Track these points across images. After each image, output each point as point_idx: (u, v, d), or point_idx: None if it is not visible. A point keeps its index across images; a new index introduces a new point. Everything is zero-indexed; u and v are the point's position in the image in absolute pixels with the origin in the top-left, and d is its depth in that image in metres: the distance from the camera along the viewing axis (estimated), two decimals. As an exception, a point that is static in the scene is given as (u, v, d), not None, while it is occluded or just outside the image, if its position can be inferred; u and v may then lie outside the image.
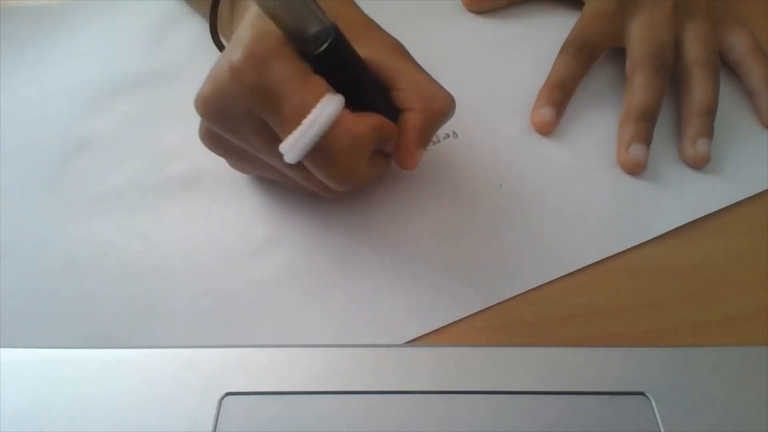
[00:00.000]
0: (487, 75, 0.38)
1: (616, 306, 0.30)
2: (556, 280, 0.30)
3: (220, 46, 0.33)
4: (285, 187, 0.33)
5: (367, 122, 0.26)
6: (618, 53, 0.38)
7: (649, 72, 0.35)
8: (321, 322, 0.29)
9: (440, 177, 0.34)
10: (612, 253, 0.31)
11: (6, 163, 0.35)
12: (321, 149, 0.25)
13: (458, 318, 0.29)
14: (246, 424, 0.22)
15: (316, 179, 0.27)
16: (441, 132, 0.35)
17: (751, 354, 0.24)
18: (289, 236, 0.32)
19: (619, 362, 0.24)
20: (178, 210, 0.33)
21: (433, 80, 0.29)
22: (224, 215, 0.33)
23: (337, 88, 0.25)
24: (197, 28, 0.41)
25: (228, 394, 0.23)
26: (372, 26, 0.30)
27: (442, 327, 0.29)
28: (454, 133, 0.36)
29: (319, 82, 0.25)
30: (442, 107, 0.29)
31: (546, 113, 0.36)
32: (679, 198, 0.33)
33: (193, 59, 0.39)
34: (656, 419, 0.22)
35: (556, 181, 0.34)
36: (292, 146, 0.24)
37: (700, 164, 0.34)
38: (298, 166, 0.26)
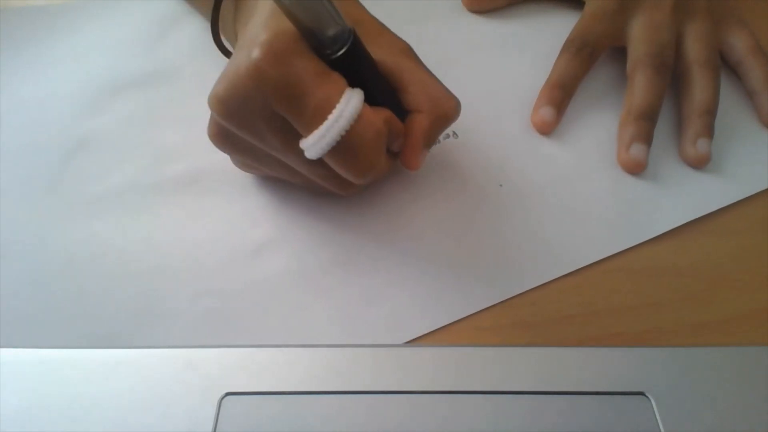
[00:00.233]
0: (487, 75, 0.38)
1: (616, 306, 0.30)
2: (556, 280, 0.30)
3: (221, 46, 0.33)
4: (290, 186, 0.33)
5: (381, 116, 0.26)
6: (618, 53, 0.38)
7: (649, 72, 0.35)
8: (321, 322, 0.29)
9: (440, 177, 0.34)
10: (612, 253, 0.31)
11: (6, 163, 0.35)
12: (345, 143, 0.25)
13: (458, 318, 0.29)
14: (246, 424, 0.22)
15: (331, 175, 0.27)
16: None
17: (751, 354, 0.24)
18: (290, 236, 0.32)
19: (619, 362, 0.24)
20: (179, 210, 0.33)
21: (440, 83, 0.29)
22: (224, 215, 0.33)
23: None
24: (198, 28, 0.41)
25: (228, 394, 0.23)
26: (383, 29, 0.31)
27: (443, 327, 0.29)
28: (454, 133, 0.36)
29: (338, 77, 0.25)
30: (448, 110, 0.29)
31: (546, 113, 0.36)
32: (679, 197, 0.33)
33: (193, 59, 0.39)
34: (656, 419, 0.22)
35: (557, 180, 0.34)
36: (317, 141, 0.24)
37: (700, 164, 0.34)
38: (316, 162, 0.26)
